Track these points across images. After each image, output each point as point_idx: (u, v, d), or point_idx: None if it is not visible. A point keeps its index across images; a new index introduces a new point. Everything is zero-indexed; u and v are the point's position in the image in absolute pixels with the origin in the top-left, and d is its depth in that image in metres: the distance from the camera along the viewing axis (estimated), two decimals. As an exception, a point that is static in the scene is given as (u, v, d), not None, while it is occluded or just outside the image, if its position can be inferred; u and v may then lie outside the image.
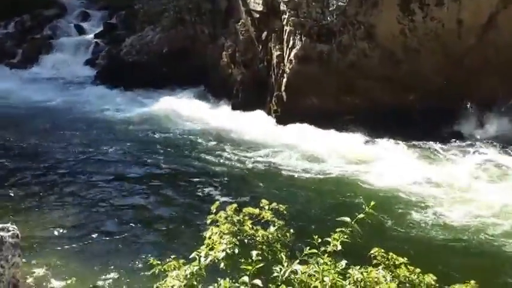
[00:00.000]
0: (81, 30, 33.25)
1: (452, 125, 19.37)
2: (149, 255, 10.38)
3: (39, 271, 11.02)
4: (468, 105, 19.43)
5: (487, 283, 9.06)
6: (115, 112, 23.28)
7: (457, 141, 18.83)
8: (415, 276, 4.76)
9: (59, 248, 12.14)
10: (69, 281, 10.80)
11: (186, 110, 22.96)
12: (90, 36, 32.46)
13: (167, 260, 5.09)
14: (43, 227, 13.02)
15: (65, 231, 12.87)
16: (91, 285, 10.73)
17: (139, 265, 11.22)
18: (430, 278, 4.76)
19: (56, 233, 12.79)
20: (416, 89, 20.03)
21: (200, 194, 15.33)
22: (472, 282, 4.80)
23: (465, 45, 20.06)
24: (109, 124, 21.71)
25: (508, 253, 12.11)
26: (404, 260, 4.85)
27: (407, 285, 4.70)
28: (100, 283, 10.81)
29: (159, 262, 5.10)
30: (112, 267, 11.30)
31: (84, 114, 23.08)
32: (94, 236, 12.77)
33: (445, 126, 19.31)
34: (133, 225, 13.39)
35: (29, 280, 10.63)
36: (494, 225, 13.20)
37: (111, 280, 10.88)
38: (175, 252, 5.45)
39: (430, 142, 18.75)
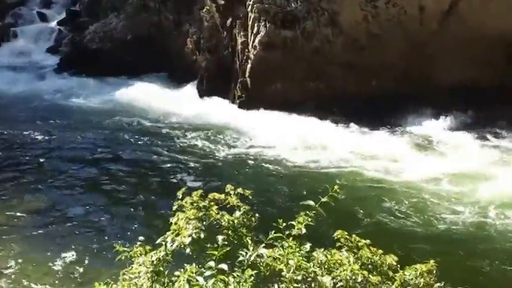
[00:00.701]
0: (43, 18, 32.72)
1: (415, 109, 19.58)
2: (115, 242, 10.38)
3: (3, 257, 10.99)
4: (431, 90, 19.67)
5: (449, 265, 9.27)
6: (79, 100, 23.07)
7: (419, 125, 19.10)
8: (377, 258, 4.87)
9: (24, 235, 12.12)
10: (34, 268, 10.78)
11: (150, 97, 22.82)
12: (53, 23, 31.99)
13: (133, 246, 5.11)
14: (8, 214, 12.94)
15: (30, 218, 12.83)
16: (57, 272, 10.71)
17: (106, 252, 11.20)
18: (391, 259, 4.88)
19: (21, 219, 12.74)
20: (380, 75, 20.22)
21: (165, 180, 15.34)
22: (431, 261, 4.92)
23: (427, 31, 20.31)
24: (73, 112, 21.54)
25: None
26: (367, 241, 4.96)
27: (369, 266, 4.81)
28: (66, 270, 10.80)
29: (125, 249, 5.11)
30: (78, 254, 11.29)
31: (47, 102, 22.84)
32: (60, 223, 12.74)
33: (407, 111, 19.51)
34: (99, 212, 13.38)
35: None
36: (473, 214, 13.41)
37: (77, 267, 10.87)
38: (141, 238, 5.48)
39: (392, 127, 19.05)
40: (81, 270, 10.84)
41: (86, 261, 11.06)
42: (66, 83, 25.43)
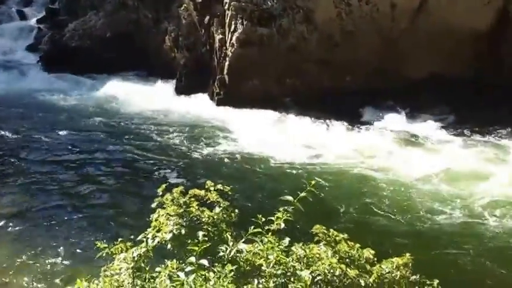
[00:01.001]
0: (23, 16, 32.53)
1: (390, 105, 19.79)
2: (95, 240, 10.39)
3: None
4: (403, 85, 19.88)
5: (430, 260, 9.37)
6: (58, 97, 22.97)
7: (396, 121, 19.22)
8: (355, 251, 4.96)
9: (0, 234, 12.04)
10: (13, 267, 10.75)
11: (129, 95, 22.80)
12: (33, 21, 31.80)
13: (114, 243, 5.14)
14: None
15: (6, 219, 12.72)
16: (36, 271, 10.69)
17: (85, 251, 11.19)
18: (368, 253, 4.97)
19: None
20: (354, 71, 20.47)
21: (145, 178, 15.33)
22: (407, 255, 5.02)
23: (398, 28, 20.64)
24: (52, 110, 21.42)
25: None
26: (345, 236, 5.04)
27: (347, 260, 4.89)
28: (46, 269, 10.77)
29: (106, 245, 5.14)
30: (58, 252, 11.25)
31: (27, 100, 22.71)
32: (38, 223, 12.66)
33: (384, 107, 19.72)
34: (79, 210, 13.32)
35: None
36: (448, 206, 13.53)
37: (58, 265, 10.84)
38: (122, 236, 5.50)
39: (371, 122, 19.19)
40: (59, 269, 10.80)
41: (65, 261, 11.01)
42: (46, 81, 25.29)
